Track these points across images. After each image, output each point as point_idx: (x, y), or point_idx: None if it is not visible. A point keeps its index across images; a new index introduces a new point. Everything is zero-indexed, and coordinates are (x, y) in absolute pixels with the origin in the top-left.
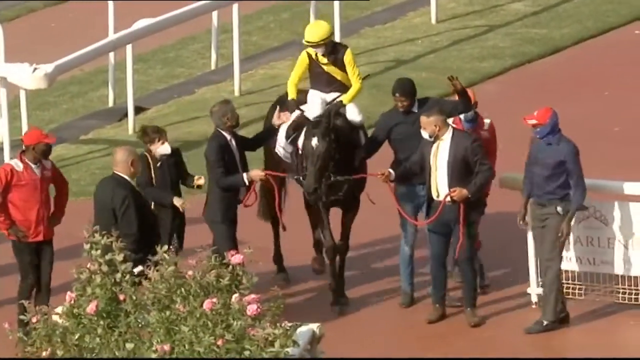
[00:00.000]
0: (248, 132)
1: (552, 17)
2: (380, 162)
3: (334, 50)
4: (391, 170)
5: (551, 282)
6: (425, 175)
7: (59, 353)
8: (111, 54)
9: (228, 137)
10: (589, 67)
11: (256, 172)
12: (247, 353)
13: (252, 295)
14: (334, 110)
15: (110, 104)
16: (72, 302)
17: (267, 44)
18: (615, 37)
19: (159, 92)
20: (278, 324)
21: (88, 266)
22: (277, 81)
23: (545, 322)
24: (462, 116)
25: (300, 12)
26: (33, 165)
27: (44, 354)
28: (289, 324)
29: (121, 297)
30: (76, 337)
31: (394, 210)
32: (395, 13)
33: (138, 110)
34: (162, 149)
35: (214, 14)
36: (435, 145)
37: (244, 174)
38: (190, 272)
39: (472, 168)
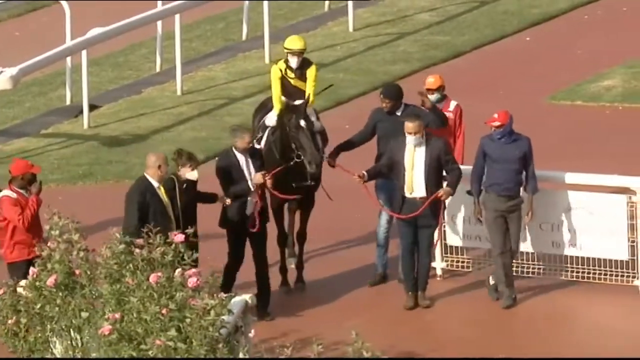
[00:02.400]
0: (186, 128)
1: (454, 26)
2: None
3: (302, 64)
4: (365, 172)
5: (510, 258)
6: (395, 174)
7: (23, 321)
8: (68, 59)
9: (239, 155)
10: (486, 69)
11: (257, 176)
12: (188, 320)
13: (192, 270)
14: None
15: (68, 102)
16: (35, 276)
17: (205, 50)
18: (509, 43)
19: (110, 91)
20: (215, 295)
21: (48, 245)
22: (214, 82)
23: (514, 295)
24: (432, 97)
25: (233, 22)
26: (22, 192)
27: (9, 321)
28: (224, 295)
29: (77, 271)
30: (38, 306)
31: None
32: (317, 22)
33: (92, 107)
34: (190, 174)
35: (159, 23)
36: (411, 148)
37: (249, 181)
38: (137, 250)
39: (442, 167)
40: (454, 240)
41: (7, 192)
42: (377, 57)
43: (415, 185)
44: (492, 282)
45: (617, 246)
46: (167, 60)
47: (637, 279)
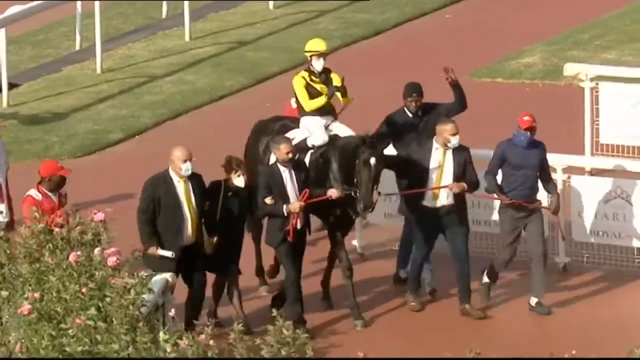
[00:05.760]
0: (106, 106)
1: (374, 3)
2: None
3: (324, 70)
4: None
5: (544, 265)
6: (416, 181)
7: None
8: None
9: (282, 169)
10: (407, 47)
11: (294, 205)
12: (108, 299)
13: (112, 249)
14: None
15: None
16: None
17: (124, 28)
18: (430, 21)
19: (30, 70)
20: (135, 274)
21: None
22: (134, 60)
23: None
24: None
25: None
26: (50, 194)
27: None
28: (145, 274)
29: None
30: None
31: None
32: (237, 1)
33: (11, 86)
34: (238, 181)
35: (78, 1)
36: (441, 154)
37: (284, 206)
38: (57, 229)
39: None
40: None
41: (32, 191)
42: (298, 34)
43: (442, 193)
44: (485, 280)
45: None
46: (86, 38)
47: (558, 256)
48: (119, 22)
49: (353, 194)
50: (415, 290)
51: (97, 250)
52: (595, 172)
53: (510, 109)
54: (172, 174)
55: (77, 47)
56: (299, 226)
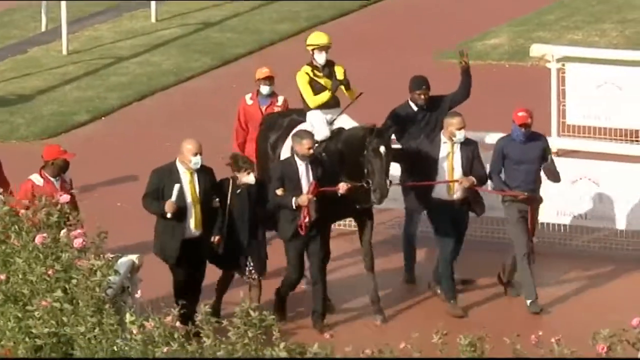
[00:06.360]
0: (72, 87)
1: None
2: None
3: (327, 62)
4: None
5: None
6: (425, 175)
7: None
8: None
9: (299, 162)
10: (374, 27)
11: (302, 197)
12: (74, 281)
13: (78, 230)
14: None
15: None
16: None
17: (90, 9)
18: (396, 1)
19: None
20: (101, 255)
21: None
22: (100, 41)
23: (536, 299)
24: (263, 90)
25: None
26: (53, 179)
27: None
28: (111, 255)
29: None
30: None
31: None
32: None
33: None
34: (248, 178)
35: None
36: (449, 147)
37: (293, 198)
38: (22, 211)
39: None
40: None
41: (34, 176)
42: (264, 16)
43: (456, 185)
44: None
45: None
46: (52, 19)
47: None
48: (84, 4)
49: (365, 184)
50: (453, 297)
51: (63, 232)
52: (562, 153)
53: (476, 90)
54: (179, 165)
55: (43, 29)
56: (311, 220)
